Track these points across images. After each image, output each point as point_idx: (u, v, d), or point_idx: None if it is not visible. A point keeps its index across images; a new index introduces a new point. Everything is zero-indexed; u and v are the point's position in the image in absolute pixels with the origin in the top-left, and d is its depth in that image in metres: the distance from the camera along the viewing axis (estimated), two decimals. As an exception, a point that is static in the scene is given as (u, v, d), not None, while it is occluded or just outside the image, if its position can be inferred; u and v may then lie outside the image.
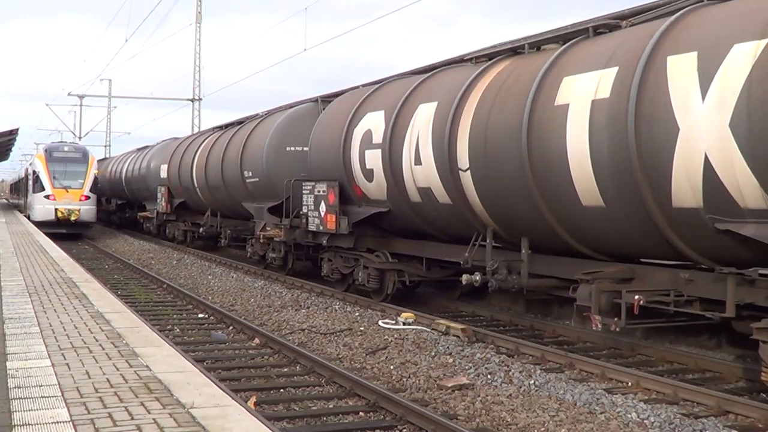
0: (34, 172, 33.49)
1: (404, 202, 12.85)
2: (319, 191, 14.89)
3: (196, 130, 44.03)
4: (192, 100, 47.06)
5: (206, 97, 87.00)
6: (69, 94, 69.70)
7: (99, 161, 46.29)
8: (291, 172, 16.98)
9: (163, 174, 28.52)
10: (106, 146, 68.35)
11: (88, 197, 32.59)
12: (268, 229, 17.99)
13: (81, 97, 57.75)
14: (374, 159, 13.34)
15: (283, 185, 16.86)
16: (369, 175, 13.57)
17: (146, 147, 35.80)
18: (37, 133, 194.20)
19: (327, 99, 18.06)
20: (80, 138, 56.91)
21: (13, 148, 56.85)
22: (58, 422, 4.51)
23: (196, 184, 24.65)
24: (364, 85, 16.55)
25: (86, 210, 32.32)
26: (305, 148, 16.82)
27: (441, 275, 14.05)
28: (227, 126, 24.71)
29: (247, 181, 19.42)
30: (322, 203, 14.71)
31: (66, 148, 34.31)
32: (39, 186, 32.53)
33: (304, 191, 15.44)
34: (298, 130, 17.58)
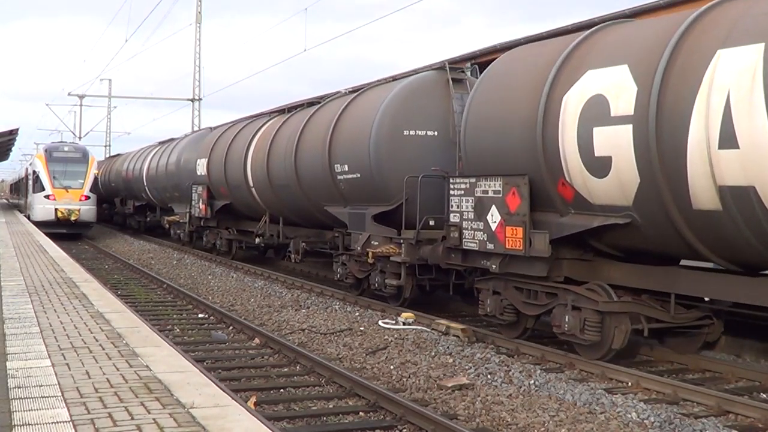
0: (34, 172, 33.49)
1: (677, 210, 8.30)
2: (486, 191, 10.52)
3: (196, 129, 44.00)
4: (192, 100, 47.07)
5: (206, 97, 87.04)
6: (69, 94, 69.76)
7: (111, 158, 44.32)
8: (410, 166, 12.92)
9: (201, 170, 23.66)
10: (106, 146, 68.38)
11: (88, 197, 32.59)
12: (374, 243, 13.66)
13: (81, 97, 57.74)
14: (615, 140, 8.74)
15: (398, 183, 12.94)
16: (600, 166, 8.98)
17: (172, 140, 31.56)
18: (37, 133, 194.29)
19: (455, 65, 14.18)
20: (80, 138, 56.88)
21: (13, 148, 56.97)
22: (58, 422, 4.51)
23: (251, 183, 19.81)
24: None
25: (86, 210, 32.32)
26: (431, 132, 13.36)
27: (691, 318, 9.76)
28: (294, 108, 19.29)
29: (340, 178, 14.64)
30: (494, 210, 10.34)
31: (66, 148, 34.31)
32: (39, 186, 32.53)
33: (453, 192, 11.22)
34: (419, 107, 13.45)
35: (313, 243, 17.82)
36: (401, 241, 12.91)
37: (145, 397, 5.10)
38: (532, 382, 8.81)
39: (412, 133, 13.33)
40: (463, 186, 11.00)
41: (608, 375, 9.12)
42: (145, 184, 32.23)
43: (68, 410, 4.76)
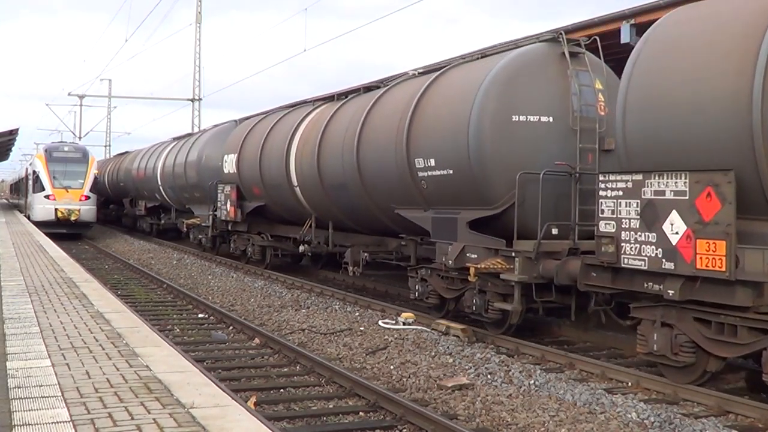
0: (34, 172, 33.49)
1: None
2: (660, 192, 8.06)
3: (196, 130, 43.97)
4: (192, 100, 47.05)
5: (206, 97, 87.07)
6: (69, 94, 69.84)
7: (119, 155, 41.50)
8: (521, 160, 10.61)
9: (230, 168, 20.81)
10: (106, 146, 68.36)
11: (88, 197, 32.59)
12: (472, 256, 11.09)
13: (81, 97, 57.72)
14: None
15: (506, 181, 10.59)
16: None
17: (190, 135, 29.31)
18: (37, 133, 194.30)
19: (571, 37, 11.48)
20: (80, 138, 56.87)
21: (13, 148, 56.93)
22: (58, 422, 4.51)
23: (294, 182, 17.07)
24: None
25: (86, 210, 32.32)
26: (545, 118, 10.89)
27: None
28: (346, 94, 16.61)
29: (423, 175, 12.03)
30: (675, 217, 7.87)
31: (66, 148, 34.31)
32: (39, 186, 32.53)
33: (605, 193, 8.74)
34: (530, 87, 10.97)
35: (375, 253, 14.88)
36: (513, 254, 10.40)
37: (145, 397, 5.10)
38: (532, 382, 8.81)
39: (522, 119, 10.79)
40: (621, 185, 8.46)
41: (608, 375, 9.12)
42: (159, 183, 29.63)
43: (68, 410, 4.76)
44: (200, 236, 24.97)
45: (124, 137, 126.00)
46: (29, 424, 4.46)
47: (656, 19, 9.05)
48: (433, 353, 10.21)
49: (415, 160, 12.18)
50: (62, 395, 5.12)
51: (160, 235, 33.23)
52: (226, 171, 21.16)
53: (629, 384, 8.81)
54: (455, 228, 11.47)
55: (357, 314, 13.38)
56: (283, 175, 17.42)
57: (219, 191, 21.40)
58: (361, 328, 11.97)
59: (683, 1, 9.28)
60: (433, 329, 11.65)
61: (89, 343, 6.97)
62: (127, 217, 38.99)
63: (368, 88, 15.76)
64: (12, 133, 41.68)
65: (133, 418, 4.62)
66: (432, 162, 11.81)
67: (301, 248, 17.77)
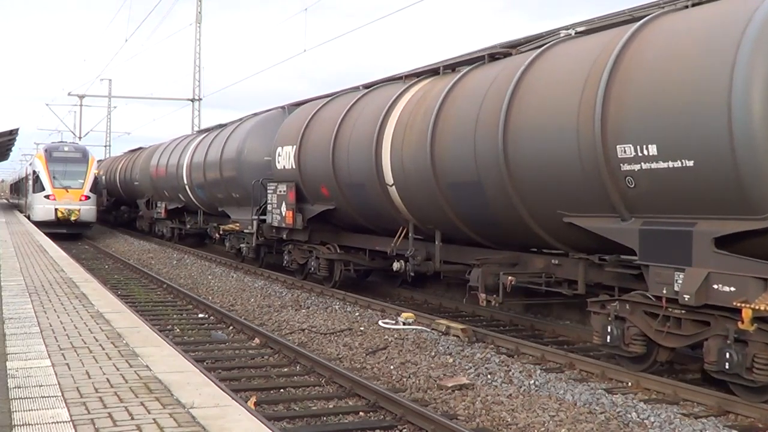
0: (34, 172, 33.51)
1: None
2: None
3: (196, 129, 43.94)
4: (192, 100, 47.06)
5: (206, 97, 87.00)
6: (69, 94, 69.76)
7: (132, 152, 39.04)
8: None
9: (285, 163, 17.03)
10: (106, 146, 68.39)
11: (88, 197, 32.60)
12: (726, 289, 7.62)
13: (81, 97, 57.77)
14: None
15: None
16: None
17: (222, 126, 25.14)
18: (37, 133, 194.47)
19: None
20: (80, 138, 56.94)
21: (13, 148, 56.93)
22: (58, 422, 4.51)
23: (388, 178, 13.15)
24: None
25: (86, 210, 32.33)
26: None
27: None
28: (460, 65, 12.91)
29: (629, 168, 8.48)
30: None
31: (66, 148, 34.33)
32: (39, 186, 32.55)
33: None
34: None
35: (518, 275, 10.83)
36: None
37: (145, 397, 5.10)
38: (532, 382, 8.81)
39: None
40: None
41: (608, 375, 9.12)
42: (185, 182, 25.82)
43: (68, 410, 4.76)
44: (241, 245, 21.01)
45: (124, 137, 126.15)
46: (29, 424, 4.46)
47: None
48: (433, 353, 10.21)
49: (618, 147, 8.48)
50: (62, 395, 5.12)
51: (182, 240, 29.83)
52: (279, 167, 17.41)
53: (629, 384, 8.81)
54: (689, 246, 8.00)
55: (357, 314, 13.38)
56: (371, 170, 13.40)
57: (269, 192, 17.57)
58: (361, 328, 11.97)
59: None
60: (433, 329, 11.65)
61: (89, 343, 6.97)
62: (143, 220, 34.83)
63: (492, 56, 12.15)
64: (12, 133, 41.69)
65: (133, 418, 4.62)
66: (651, 149, 8.15)
67: (396, 265, 13.54)
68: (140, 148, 37.72)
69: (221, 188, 22.07)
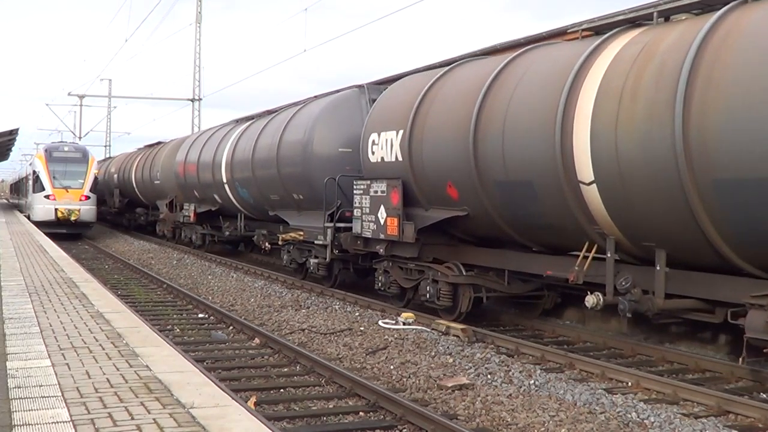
0: (34, 172, 33.51)
1: None
2: None
3: (196, 130, 43.92)
4: (192, 100, 47.06)
5: (206, 97, 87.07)
6: (69, 94, 69.89)
7: (149, 146, 35.51)
8: None
9: (387, 154, 13.11)
10: (106, 146, 68.41)
11: (88, 197, 32.60)
12: None
13: (81, 97, 57.80)
14: None
15: None
16: None
17: (270, 112, 21.04)
18: (37, 133, 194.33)
19: None
20: (80, 138, 56.96)
21: (13, 148, 57.01)
22: (58, 422, 4.51)
23: (586, 174, 9.26)
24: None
25: (86, 210, 32.33)
26: None
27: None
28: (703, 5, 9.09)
29: None
30: None
31: (66, 148, 34.33)
32: (39, 186, 32.55)
33: None
34: None
35: None
36: None
37: (145, 397, 5.10)
38: (532, 382, 8.81)
39: None
40: None
41: (608, 375, 9.12)
42: (224, 179, 21.78)
43: (68, 410, 4.76)
44: (305, 259, 16.93)
45: (124, 137, 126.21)
46: (29, 424, 4.46)
47: None
48: (433, 353, 10.21)
49: None
50: (62, 395, 5.12)
51: (214, 249, 26.04)
52: (373, 159, 13.53)
53: (629, 384, 8.81)
54: None
55: (357, 314, 13.38)
56: (550, 162, 9.59)
57: (357, 192, 13.88)
58: (361, 328, 11.97)
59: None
60: (433, 329, 11.66)
61: (89, 343, 6.97)
62: (164, 225, 30.22)
63: None
64: (12, 133, 41.72)
65: (133, 418, 4.62)
66: None
67: (591, 300, 9.38)
68: (159, 143, 33.96)
69: (277, 188, 17.93)
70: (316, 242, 15.80)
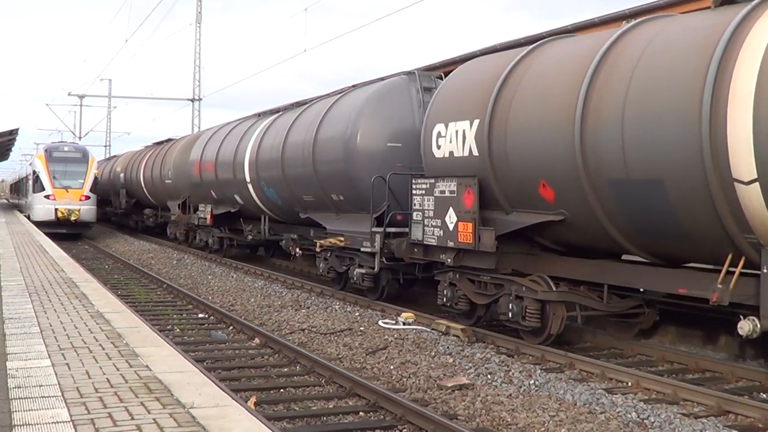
0: (34, 172, 33.51)
1: None
2: None
3: (196, 129, 43.87)
4: (192, 100, 47.05)
5: (206, 97, 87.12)
6: (69, 94, 69.86)
7: (158, 144, 33.69)
8: None
9: (455, 148, 11.33)
10: (106, 146, 68.42)
11: (88, 197, 32.60)
12: None
13: (81, 97, 57.77)
14: None
15: None
16: None
17: (298, 104, 18.70)
18: (37, 133, 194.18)
19: None
20: (80, 138, 56.93)
21: (13, 148, 57.09)
22: (58, 422, 4.51)
23: None
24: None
25: (86, 210, 32.33)
26: None
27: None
28: None
29: None
30: None
31: (66, 148, 34.33)
32: (39, 186, 32.55)
33: None
34: None
35: None
36: None
37: (145, 397, 5.10)
38: (532, 382, 8.81)
39: None
40: None
41: (608, 375, 9.12)
42: (246, 179, 19.79)
43: (68, 410, 4.76)
44: (346, 267, 15.10)
45: (124, 137, 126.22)
46: (29, 424, 4.46)
47: None
48: (433, 353, 10.21)
49: None
50: (62, 395, 5.12)
51: (232, 253, 23.92)
52: (439, 154, 11.65)
53: (629, 384, 8.81)
54: None
55: (357, 314, 13.38)
56: (692, 156, 7.91)
57: (416, 192, 12.13)
58: (361, 328, 11.97)
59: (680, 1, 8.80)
60: (433, 329, 11.65)
61: (89, 343, 6.97)
62: (176, 227, 28.25)
63: None
64: (12, 133, 41.74)
65: (133, 418, 4.62)
66: None
67: (746, 327, 7.88)
68: (170, 140, 31.97)
69: (312, 188, 15.98)
70: (362, 249, 14.02)
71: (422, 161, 12.27)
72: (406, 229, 12.81)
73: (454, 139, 11.31)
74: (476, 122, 10.86)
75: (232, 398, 5.66)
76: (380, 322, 12.30)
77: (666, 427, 7.29)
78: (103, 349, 6.72)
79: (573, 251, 10.53)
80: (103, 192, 40.49)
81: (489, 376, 9.08)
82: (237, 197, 21.06)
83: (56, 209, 31.65)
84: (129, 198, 36.74)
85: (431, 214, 11.74)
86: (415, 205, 12.17)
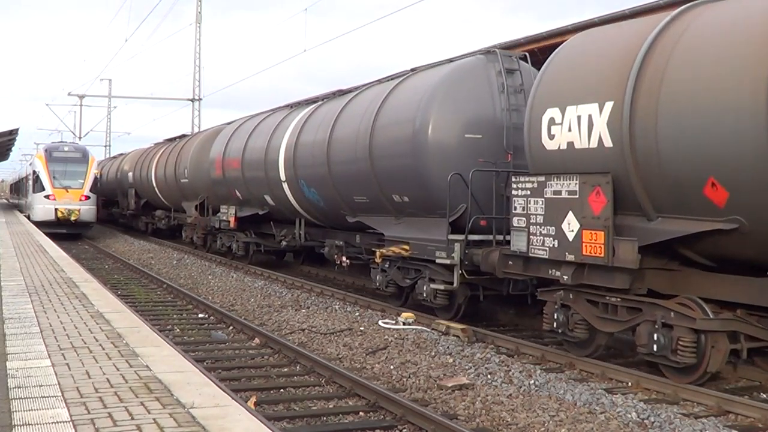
0: (34, 172, 33.53)
1: None
2: None
3: (196, 129, 43.83)
4: (192, 100, 47.04)
5: (206, 97, 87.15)
6: (69, 94, 69.90)
7: (170, 140, 31.96)
8: None
9: (576, 137, 9.27)
10: (106, 146, 68.42)
11: (88, 197, 32.61)
12: None
13: (81, 97, 57.75)
14: None
15: None
16: None
17: (341, 92, 16.71)
18: (37, 133, 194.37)
19: None
20: (80, 138, 56.92)
21: (13, 148, 57.07)
22: (58, 422, 4.51)
23: None
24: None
25: (86, 210, 32.34)
26: None
27: None
28: None
29: None
30: None
31: (66, 148, 34.33)
32: (39, 186, 32.56)
33: None
34: None
35: None
36: None
37: (145, 397, 5.10)
38: (532, 382, 8.81)
39: None
40: None
41: (608, 375, 9.12)
42: (281, 177, 17.62)
43: (68, 410, 4.76)
44: (413, 281, 12.88)
45: (124, 137, 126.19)
46: (29, 424, 4.46)
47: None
48: (433, 353, 10.21)
49: None
50: (62, 395, 5.12)
51: (258, 259, 21.74)
52: (551, 146, 9.58)
53: (629, 384, 8.81)
54: None
55: (357, 314, 13.38)
56: None
57: (517, 193, 10.03)
58: (361, 328, 11.97)
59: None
60: (433, 329, 11.65)
61: (89, 343, 6.97)
62: (193, 230, 26.10)
63: None
64: (12, 133, 41.75)
65: (133, 418, 4.62)
66: None
67: None
68: (183, 136, 30.10)
69: (368, 187, 13.81)
70: (437, 260, 11.90)
71: (527, 155, 10.18)
72: (490, 237, 11.47)
73: (575, 126, 9.24)
74: (609, 105, 8.80)
75: (232, 398, 5.66)
76: (380, 322, 12.30)
77: (666, 427, 7.29)
78: (103, 349, 6.72)
79: (728, 267, 8.46)
80: (110, 192, 40.12)
81: (489, 376, 9.08)
82: (268, 198, 18.90)
83: (56, 209, 31.65)
84: (138, 198, 35.07)
85: (540, 219, 9.57)
86: (515, 208, 9.98)
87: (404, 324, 12.10)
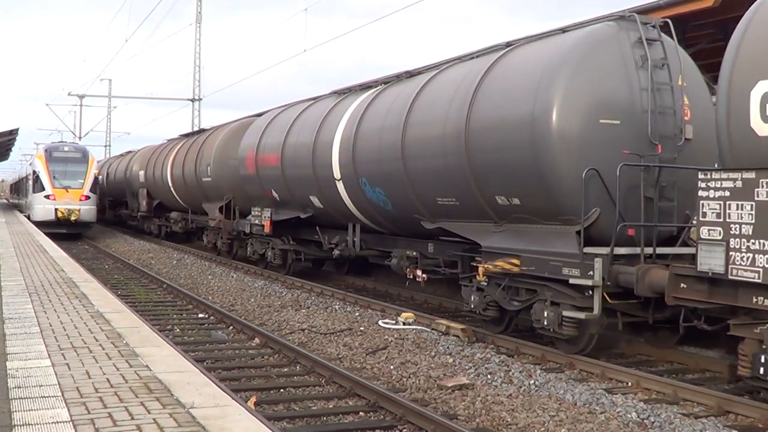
0: (34, 172, 33.53)
1: None
2: None
3: (196, 129, 43.72)
4: (192, 100, 47.05)
5: (206, 97, 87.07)
6: (69, 94, 69.87)
7: (186, 136, 30.19)
8: None
9: None
10: (106, 146, 68.43)
11: (88, 197, 32.60)
12: None
13: (81, 97, 57.77)
14: None
15: None
16: None
17: (409, 74, 13.97)
18: (37, 133, 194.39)
19: None
20: (80, 138, 56.95)
21: (13, 148, 57.08)
22: (58, 422, 4.51)
23: None
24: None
25: (86, 210, 32.34)
26: None
27: None
28: None
29: None
30: None
31: (66, 148, 34.34)
32: (39, 186, 32.56)
33: None
34: None
35: None
36: None
37: (145, 397, 5.10)
38: (532, 382, 8.81)
39: None
40: None
41: (608, 375, 9.12)
42: (335, 176, 15.06)
43: (68, 410, 4.76)
44: (521, 303, 10.48)
45: (124, 137, 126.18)
46: (29, 424, 4.46)
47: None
48: (433, 353, 10.21)
49: None
50: (62, 395, 5.12)
51: (297, 268, 18.73)
52: (765, 131, 7.27)
53: (629, 384, 8.82)
54: None
55: (357, 314, 13.38)
56: None
57: (712, 195, 7.75)
58: (361, 328, 11.97)
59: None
60: (433, 329, 11.66)
61: (89, 343, 6.97)
62: (216, 235, 23.57)
63: None
64: (12, 133, 41.76)
65: (133, 418, 4.62)
66: None
67: None
68: (202, 131, 27.52)
69: (459, 186, 11.28)
70: (571, 280, 9.37)
71: (722, 143, 7.74)
72: (637, 250, 9.30)
73: None
74: None
75: (232, 398, 5.66)
76: (380, 322, 12.30)
77: (666, 427, 7.29)
78: (103, 349, 6.72)
79: None
80: (117, 192, 39.04)
81: (489, 376, 9.08)
82: (314, 199, 16.21)
83: (56, 209, 31.66)
84: (150, 199, 31.96)
85: (747, 230, 7.35)
86: (705, 215, 7.78)
87: (404, 324, 12.10)
